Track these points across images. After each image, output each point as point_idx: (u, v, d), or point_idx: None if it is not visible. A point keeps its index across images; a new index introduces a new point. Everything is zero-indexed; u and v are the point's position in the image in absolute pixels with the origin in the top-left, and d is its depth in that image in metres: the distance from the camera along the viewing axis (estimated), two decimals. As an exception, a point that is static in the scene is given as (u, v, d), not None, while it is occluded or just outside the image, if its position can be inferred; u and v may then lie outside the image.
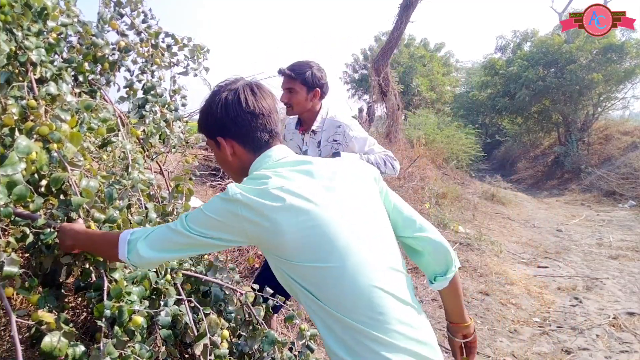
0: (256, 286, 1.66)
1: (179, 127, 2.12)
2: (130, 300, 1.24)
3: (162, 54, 2.10)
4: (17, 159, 1.08)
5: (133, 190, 1.49)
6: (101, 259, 1.29)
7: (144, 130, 1.87)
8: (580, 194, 9.67)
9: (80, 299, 1.75)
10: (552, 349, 2.93)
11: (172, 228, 1.00)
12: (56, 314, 1.16)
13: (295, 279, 0.96)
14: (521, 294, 3.84)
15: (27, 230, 1.22)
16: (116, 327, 1.19)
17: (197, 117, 1.13)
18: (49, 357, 1.07)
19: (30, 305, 1.59)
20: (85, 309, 1.77)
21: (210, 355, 1.35)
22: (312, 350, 1.58)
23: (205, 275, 1.60)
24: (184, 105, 2.21)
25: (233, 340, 1.53)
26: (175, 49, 2.19)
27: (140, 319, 1.23)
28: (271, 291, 1.64)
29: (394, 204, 1.09)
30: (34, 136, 1.25)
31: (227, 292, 1.61)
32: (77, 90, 1.71)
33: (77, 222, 1.25)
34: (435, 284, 1.09)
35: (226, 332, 1.44)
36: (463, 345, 1.16)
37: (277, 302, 1.65)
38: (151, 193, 1.68)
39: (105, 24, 1.90)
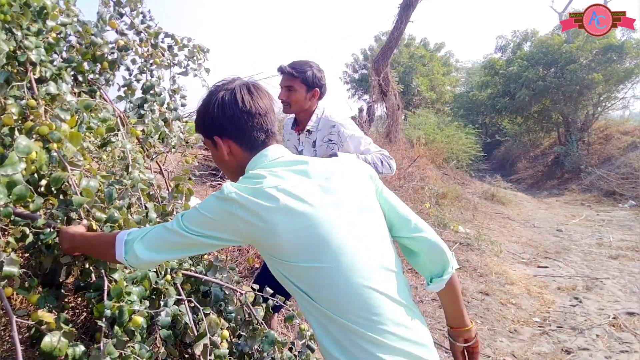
0: (256, 286, 1.66)
1: (179, 126, 2.11)
2: (130, 300, 1.24)
3: (162, 54, 2.10)
4: (17, 159, 1.08)
5: (133, 190, 1.49)
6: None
7: (143, 130, 1.86)
8: (580, 194, 9.68)
9: (80, 299, 1.74)
10: (552, 349, 2.93)
11: (168, 228, 0.99)
12: (56, 314, 1.16)
13: (291, 280, 0.95)
14: (521, 294, 3.84)
15: (27, 230, 1.21)
16: (116, 327, 1.19)
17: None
18: (49, 357, 1.06)
19: (30, 305, 1.58)
20: (85, 309, 1.76)
21: (210, 355, 1.35)
22: (312, 350, 1.58)
23: (205, 275, 1.60)
24: (183, 105, 2.20)
25: (233, 340, 1.53)
26: (175, 49, 2.18)
27: (140, 319, 1.23)
28: (271, 291, 1.64)
29: (390, 204, 1.08)
30: (34, 136, 1.25)
31: (227, 292, 1.61)
32: (76, 90, 1.70)
33: (75, 224, 1.24)
34: (432, 285, 1.07)
35: (226, 332, 1.44)
36: (465, 350, 1.13)
37: (277, 302, 1.65)
38: (151, 193, 1.67)
39: (104, 23, 1.89)
